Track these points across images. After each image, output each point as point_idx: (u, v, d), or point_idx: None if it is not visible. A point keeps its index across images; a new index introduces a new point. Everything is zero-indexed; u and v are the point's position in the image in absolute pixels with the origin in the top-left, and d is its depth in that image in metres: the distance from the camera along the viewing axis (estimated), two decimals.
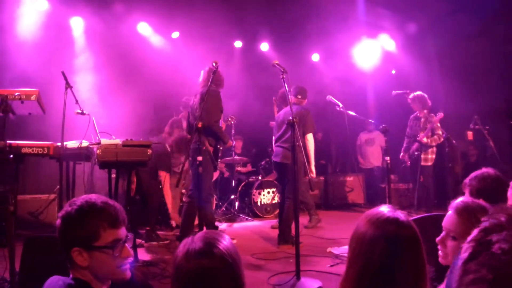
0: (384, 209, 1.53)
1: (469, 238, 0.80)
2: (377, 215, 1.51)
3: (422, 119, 7.06)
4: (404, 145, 7.40)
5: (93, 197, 1.66)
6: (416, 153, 7.07)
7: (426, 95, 6.89)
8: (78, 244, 1.58)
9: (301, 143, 4.35)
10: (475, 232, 0.80)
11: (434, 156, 7.09)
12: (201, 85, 5.51)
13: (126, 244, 1.67)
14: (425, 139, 6.91)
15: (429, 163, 7.07)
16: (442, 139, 6.93)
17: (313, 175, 5.81)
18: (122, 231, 1.65)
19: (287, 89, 4.27)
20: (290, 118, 3.98)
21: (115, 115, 6.38)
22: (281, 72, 4.28)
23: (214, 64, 4.36)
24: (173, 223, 6.71)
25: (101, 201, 1.64)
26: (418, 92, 6.92)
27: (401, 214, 1.50)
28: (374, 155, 9.54)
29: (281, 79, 4.26)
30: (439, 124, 7.01)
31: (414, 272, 1.43)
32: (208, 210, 5.37)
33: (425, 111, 7.02)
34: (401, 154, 7.31)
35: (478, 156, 7.76)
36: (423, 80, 8.34)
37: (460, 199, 1.99)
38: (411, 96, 7.04)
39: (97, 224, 1.59)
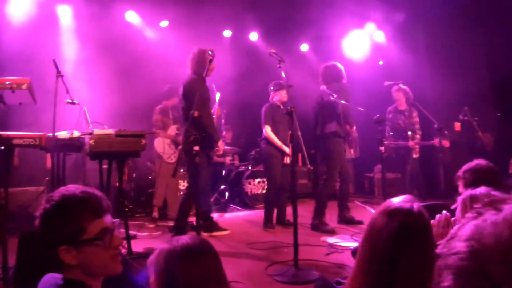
0: (398, 199, 1.54)
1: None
2: (389, 204, 1.52)
3: (406, 113, 7.09)
4: (386, 134, 7.43)
5: (70, 188, 1.52)
6: (402, 151, 7.13)
7: (408, 89, 6.94)
8: (64, 242, 1.45)
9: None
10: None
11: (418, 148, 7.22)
12: (189, 67, 5.37)
13: (115, 232, 1.55)
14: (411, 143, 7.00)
15: (418, 155, 7.18)
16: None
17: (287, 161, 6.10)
18: (108, 219, 1.53)
19: (284, 78, 4.22)
20: (289, 107, 3.96)
21: (106, 105, 6.26)
22: (278, 61, 4.23)
23: (210, 53, 4.27)
24: (156, 215, 6.62)
25: (81, 191, 1.50)
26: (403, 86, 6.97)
27: (414, 205, 1.50)
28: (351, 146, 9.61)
29: (278, 68, 4.21)
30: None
31: (422, 261, 1.42)
32: (204, 201, 5.34)
33: (406, 105, 7.09)
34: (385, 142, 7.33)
35: (494, 144, 7.75)
36: (411, 71, 8.37)
37: None
38: (395, 87, 7.07)
39: (80, 217, 1.46)
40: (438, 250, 0.74)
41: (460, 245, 0.68)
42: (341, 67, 6.09)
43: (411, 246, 1.42)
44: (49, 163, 6.54)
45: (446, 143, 6.72)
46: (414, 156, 7.05)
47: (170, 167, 6.46)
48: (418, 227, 1.45)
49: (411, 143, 6.83)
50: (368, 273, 1.46)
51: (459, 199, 2.11)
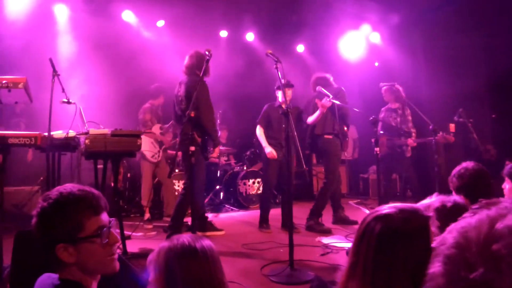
0: (392, 205, 1.53)
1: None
2: (378, 209, 1.52)
3: (399, 111, 7.00)
4: (378, 134, 7.35)
5: (67, 186, 1.52)
6: (398, 150, 6.99)
7: (400, 88, 6.90)
8: (62, 240, 1.45)
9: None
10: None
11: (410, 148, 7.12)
12: (184, 71, 5.36)
13: (112, 230, 1.56)
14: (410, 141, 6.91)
15: (410, 154, 7.08)
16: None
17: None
18: (105, 217, 1.55)
19: (281, 79, 4.20)
20: (285, 108, 3.95)
21: (102, 104, 6.25)
22: (274, 62, 4.22)
23: (207, 53, 4.26)
24: (148, 216, 6.62)
25: (78, 189, 1.51)
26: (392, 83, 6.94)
27: (401, 212, 1.47)
28: (346, 148, 9.57)
29: (274, 68, 4.20)
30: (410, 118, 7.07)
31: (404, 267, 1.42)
32: (199, 201, 5.33)
33: (398, 104, 7.02)
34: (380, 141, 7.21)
35: (497, 155, 7.68)
36: (407, 72, 8.40)
37: None
38: (384, 87, 7.04)
39: (78, 214, 1.47)
40: (433, 244, 0.82)
41: (449, 237, 0.77)
42: (331, 77, 6.18)
43: (392, 252, 1.41)
44: (30, 157, 6.55)
45: (451, 138, 6.66)
46: (408, 155, 7.00)
47: (151, 167, 6.52)
48: (400, 234, 1.43)
49: (410, 141, 6.80)
50: (355, 275, 1.47)
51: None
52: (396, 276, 1.39)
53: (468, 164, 2.80)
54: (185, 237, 1.48)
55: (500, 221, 0.73)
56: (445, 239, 0.78)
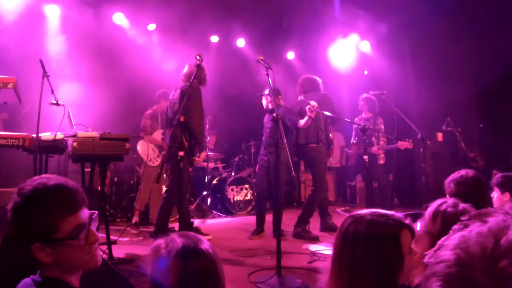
0: (368, 211, 1.55)
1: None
2: (354, 211, 1.57)
3: (371, 120, 7.06)
4: (350, 142, 7.58)
5: (43, 179, 1.39)
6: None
7: (376, 101, 7.00)
8: (37, 239, 1.35)
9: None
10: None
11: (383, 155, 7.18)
12: (183, 79, 5.39)
13: (92, 227, 1.44)
14: (375, 148, 6.98)
15: (383, 162, 7.13)
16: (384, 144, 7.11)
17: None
18: (84, 214, 1.42)
19: (271, 85, 4.21)
20: (274, 114, 3.95)
21: (91, 107, 6.20)
22: (265, 68, 4.23)
23: (197, 58, 4.25)
24: (137, 219, 6.56)
25: (54, 184, 1.37)
26: (368, 94, 7.03)
27: (374, 216, 1.51)
28: (332, 155, 9.63)
29: (265, 75, 4.21)
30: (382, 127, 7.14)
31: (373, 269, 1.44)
32: (185, 205, 5.30)
33: (371, 114, 7.11)
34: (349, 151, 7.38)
35: (485, 163, 7.76)
36: (396, 81, 8.46)
37: None
38: (362, 96, 7.16)
39: (53, 214, 1.34)
40: (425, 260, 0.76)
41: (447, 254, 0.71)
42: (319, 80, 6.21)
43: (352, 251, 1.45)
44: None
45: (409, 145, 6.75)
46: (380, 162, 7.05)
47: (153, 171, 6.43)
48: (363, 235, 1.46)
49: (374, 148, 6.89)
50: (333, 276, 1.50)
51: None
52: (357, 276, 1.42)
53: (468, 172, 2.76)
54: (182, 236, 1.44)
55: (503, 235, 0.68)
56: (440, 256, 0.72)
